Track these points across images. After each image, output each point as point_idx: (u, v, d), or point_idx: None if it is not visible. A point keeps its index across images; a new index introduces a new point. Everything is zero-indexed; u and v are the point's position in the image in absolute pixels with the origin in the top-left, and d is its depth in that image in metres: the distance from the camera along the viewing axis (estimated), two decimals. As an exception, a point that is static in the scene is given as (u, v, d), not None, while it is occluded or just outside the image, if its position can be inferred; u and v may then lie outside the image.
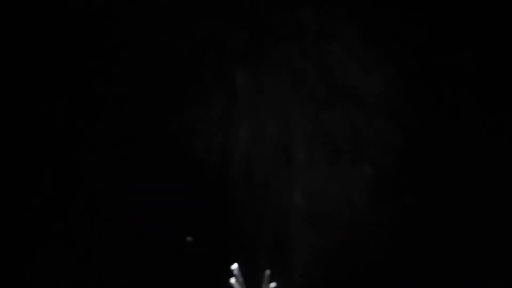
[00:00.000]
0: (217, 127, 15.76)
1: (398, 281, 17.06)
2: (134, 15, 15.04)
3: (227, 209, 17.77)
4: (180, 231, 17.58)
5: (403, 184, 16.65)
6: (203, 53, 15.31)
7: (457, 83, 14.66)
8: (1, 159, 16.93)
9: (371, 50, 14.47)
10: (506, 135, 15.47)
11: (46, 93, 16.67)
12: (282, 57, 15.27)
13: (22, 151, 17.02)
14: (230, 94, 15.41)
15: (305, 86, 15.31)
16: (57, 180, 16.73)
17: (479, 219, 15.91)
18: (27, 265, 17.67)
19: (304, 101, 16.02)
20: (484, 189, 16.12)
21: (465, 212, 15.93)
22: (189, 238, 17.18)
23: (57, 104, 16.16)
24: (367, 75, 14.51)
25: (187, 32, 15.20)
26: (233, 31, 15.01)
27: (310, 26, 14.46)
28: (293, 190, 18.11)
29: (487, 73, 14.95)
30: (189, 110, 15.51)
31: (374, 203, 16.74)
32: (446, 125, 15.21)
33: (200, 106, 15.45)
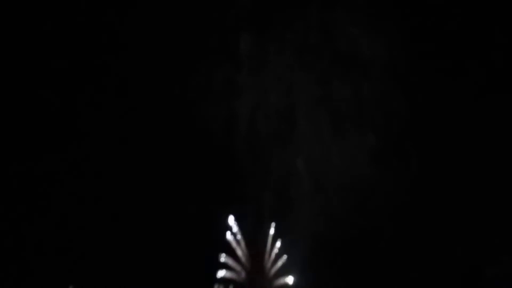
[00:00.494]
0: (221, 93, 15.79)
1: (399, 244, 16.87)
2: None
3: (232, 173, 17.67)
4: (187, 192, 17.49)
5: (407, 150, 16.50)
6: (207, 19, 15.29)
7: (462, 50, 14.61)
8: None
9: (375, 17, 14.49)
10: (509, 104, 15.35)
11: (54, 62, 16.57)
12: (286, 23, 15.27)
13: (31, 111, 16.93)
14: (234, 60, 15.41)
15: (309, 52, 15.31)
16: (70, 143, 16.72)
17: (483, 184, 15.75)
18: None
19: (308, 67, 16.00)
20: (488, 154, 15.94)
21: (469, 177, 15.76)
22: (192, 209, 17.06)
23: (65, 71, 16.16)
24: (371, 41, 14.53)
25: (191, 0, 15.16)
26: (237, -2, 14.95)
27: (315, -8, 14.45)
28: (297, 155, 17.95)
29: (491, 40, 14.86)
30: (194, 77, 15.52)
31: (378, 169, 16.62)
32: (450, 91, 15.15)
33: (205, 72, 15.45)
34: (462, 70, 14.99)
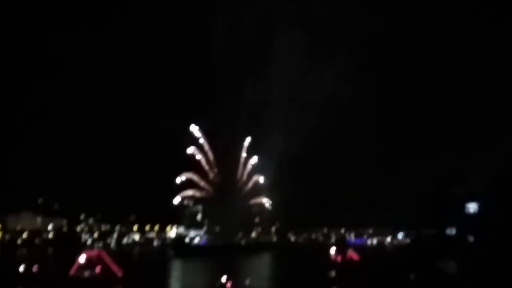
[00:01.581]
0: (197, 14, 15.38)
1: (371, 161, 17.29)
2: None
3: (208, 95, 17.81)
4: (162, 106, 17.77)
5: (383, 71, 16.48)
6: None
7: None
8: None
9: None
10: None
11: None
12: None
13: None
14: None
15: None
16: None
17: (454, 106, 15.99)
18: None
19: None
20: (464, 74, 16.12)
21: (442, 99, 15.94)
22: None
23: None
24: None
25: None
26: None
27: None
28: (273, 75, 18.01)
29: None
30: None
31: (354, 92, 16.62)
32: (429, 9, 14.93)
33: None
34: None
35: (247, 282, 64.94)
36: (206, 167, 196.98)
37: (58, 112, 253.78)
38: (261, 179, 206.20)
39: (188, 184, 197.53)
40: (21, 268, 71.57)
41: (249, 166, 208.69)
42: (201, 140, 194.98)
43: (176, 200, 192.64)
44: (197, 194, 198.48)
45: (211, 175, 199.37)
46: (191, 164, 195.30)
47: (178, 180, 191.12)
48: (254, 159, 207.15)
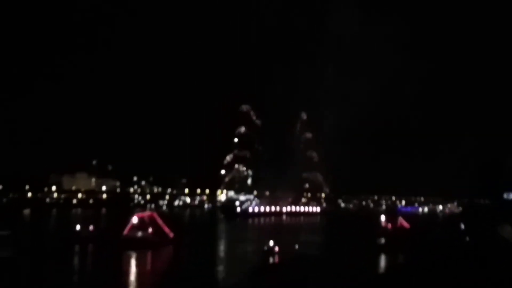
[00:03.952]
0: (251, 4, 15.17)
1: (422, 133, 16.91)
2: None
3: (260, 72, 17.61)
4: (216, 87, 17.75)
5: (437, 42, 16.00)
6: None
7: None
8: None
9: None
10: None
11: None
12: None
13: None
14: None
15: None
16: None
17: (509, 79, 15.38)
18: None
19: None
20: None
21: (495, 72, 15.33)
22: None
23: None
24: None
25: None
26: None
27: None
28: (325, 37, 17.66)
29: None
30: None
31: (407, 59, 16.22)
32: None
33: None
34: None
35: (296, 247, 65.21)
36: (257, 138, 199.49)
37: (117, 77, 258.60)
38: (315, 156, 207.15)
39: (239, 159, 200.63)
40: (78, 227, 73.49)
41: (302, 142, 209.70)
42: (253, 117, 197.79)
43: (227, 172, 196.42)
44: (249, 170, 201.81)
45: (261, 146, 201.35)
46: (243, 141, 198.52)
47: (229, 157, 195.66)
48: (308, 135, 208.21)
